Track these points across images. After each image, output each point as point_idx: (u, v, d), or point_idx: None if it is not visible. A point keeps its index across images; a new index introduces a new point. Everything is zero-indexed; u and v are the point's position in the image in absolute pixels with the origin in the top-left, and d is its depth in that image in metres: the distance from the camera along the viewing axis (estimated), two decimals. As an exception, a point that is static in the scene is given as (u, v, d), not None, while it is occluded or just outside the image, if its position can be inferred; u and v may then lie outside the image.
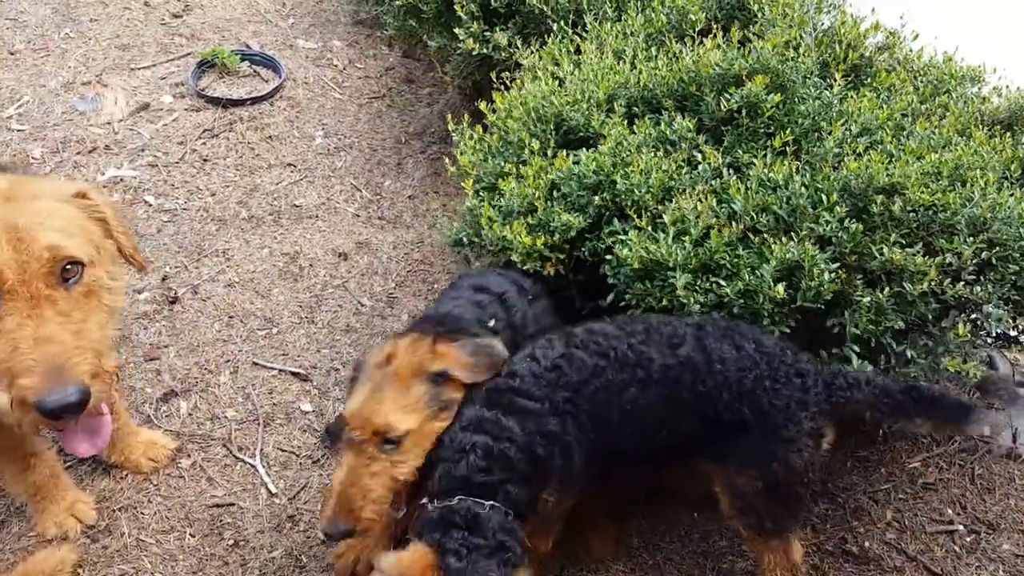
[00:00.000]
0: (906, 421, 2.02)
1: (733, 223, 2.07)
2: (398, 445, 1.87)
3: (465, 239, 2.56)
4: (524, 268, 2.26)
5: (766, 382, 1.90)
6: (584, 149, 2.37)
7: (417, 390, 1.88)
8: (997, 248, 2.08)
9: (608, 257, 2.19)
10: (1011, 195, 2.05)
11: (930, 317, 2.10)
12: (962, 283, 2.02)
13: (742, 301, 2.01)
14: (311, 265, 3.35)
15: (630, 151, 2.32)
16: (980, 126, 2.38)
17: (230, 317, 3.10)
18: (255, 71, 4.35)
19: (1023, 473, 2.76)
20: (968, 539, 2.59)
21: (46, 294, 1.63)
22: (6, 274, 1.59)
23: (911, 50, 2.65)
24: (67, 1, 4.73)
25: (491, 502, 1.79)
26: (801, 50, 2.44)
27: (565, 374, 1.91)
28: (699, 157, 2.22)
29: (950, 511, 2.67)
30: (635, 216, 2.19)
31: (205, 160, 3.77)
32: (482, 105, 2.63)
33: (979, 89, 2.58)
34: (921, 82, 2.60)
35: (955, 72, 2.55)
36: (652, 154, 2.28)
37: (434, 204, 3.72)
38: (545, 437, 1.87)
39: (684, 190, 2.19)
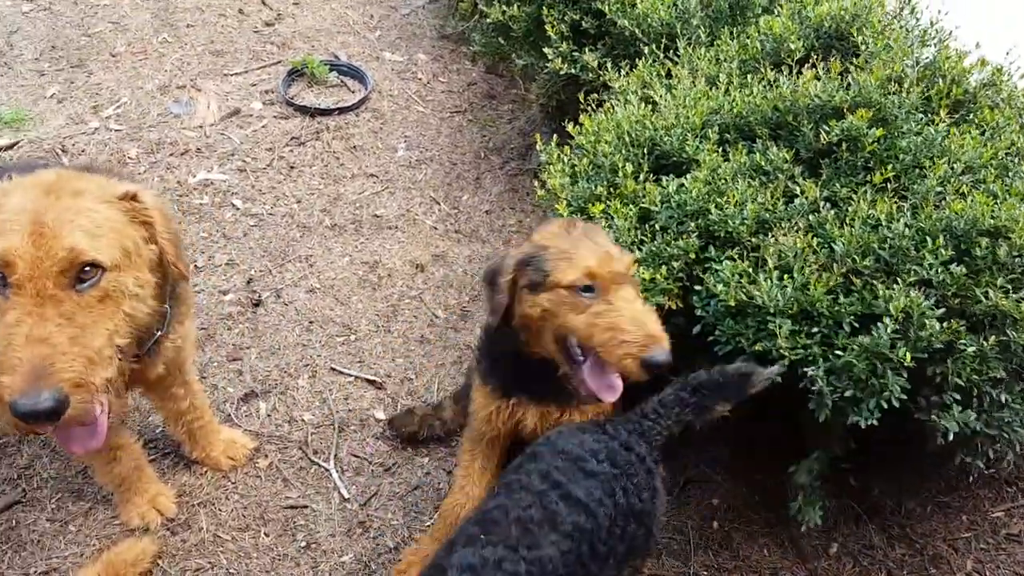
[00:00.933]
0: (711, 412, 1.96)
1: (834, 265, 2.02)
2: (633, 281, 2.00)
3: None
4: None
5: (631, 488, 1.78)
6: (673, 176, 2.34)
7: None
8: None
9: (697, 288, 2.16)
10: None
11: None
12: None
13: (864, 362, 1.93)
14: (389, 275, 3.40)
15: (725, 180, 2.29)
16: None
17: (310, 322, 3.16)
18: (342, 81, 4.46)
19: (1122, 535, 2.62)
20: None
21: (52, 293, 1.58)
22: (18, 266, 1.56)
23: (1016, 87, 2.54)
24: (166, 6, 4.94)
25: None
26: (905, 84, 2.37)
27: None
28: (796, 190, 2.17)
29: None
30: (730, 248, 2.16)
31: (292, 167, 3.87)
32: (570, 127, 2.63)
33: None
34: (1030, 120, 2.49)
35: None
36: (747, 184, 2.25)
37: (511, 220, 3.74)
38: None
39: (781, 223, 2.14)
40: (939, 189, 2.12)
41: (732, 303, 2.03)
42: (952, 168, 2.20)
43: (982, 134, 2.39)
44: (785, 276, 2.03)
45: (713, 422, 2.63)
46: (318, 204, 3.69)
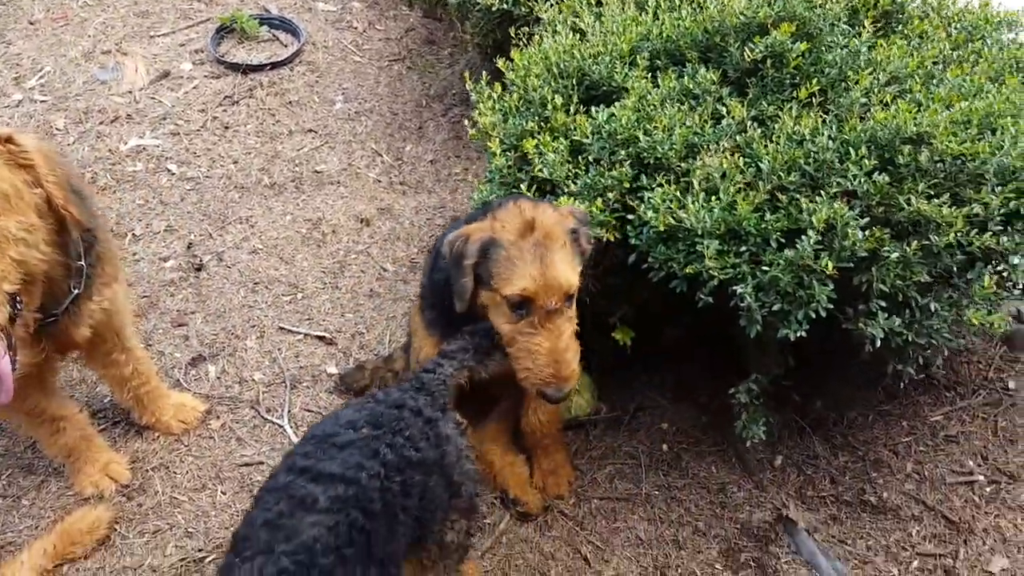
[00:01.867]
0: (491, 356, 2.00)
1: (760, 183, 2.03)
2: (573, 300, 1.96)
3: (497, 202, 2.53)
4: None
5: (400, 442, 1.74)
6: (604, 106, 2.32)
7: (568, 248, 1.93)
8: (1027, 198, 2.02)
9: (630, 217, 2.17)
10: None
11: (955, 269, 2.06)
12: (988, 234, 1.97)
13: (789, 275, 1.96)
14: (333, 231, 3.36)
15: (654, 106, 2.27)
16: (1015, 72, 2.29)
17: (255, 283, 3.13)
18: (274, 35, 4.33)
19: (1049, 426, 2.73)
20: (988, 489, 2.59)
21: None
22: None
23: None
24: (85, -31, 4.72)
25: None
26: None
27: None
28: (723, 111, 2.17)
29: (971, 463, 2.66)
30: (661, 174, 2.16)
31: (226, 127, 3.77)
32: (501, 63, 2.59)
33: (1016, 35, 2.48)
34: (955, 28, 2.51)
35: (991, 17, 2.46)
36: (676, 109, 2.24)
37: (456, 168, 3.70)
38: None
39: (709, 145, 2.14)
40: (864, 101, 2.13)
41: (662, 228, 2.04)
42: (878, 79, 2.21)
43: (909, 44, 2.40)
44: (712, 197, 2.04)
45: (655, 348, 2.68)
46: (256, 163, 3.62)
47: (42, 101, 3.88)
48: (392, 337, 2.98)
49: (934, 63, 2.26)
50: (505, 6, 3.08)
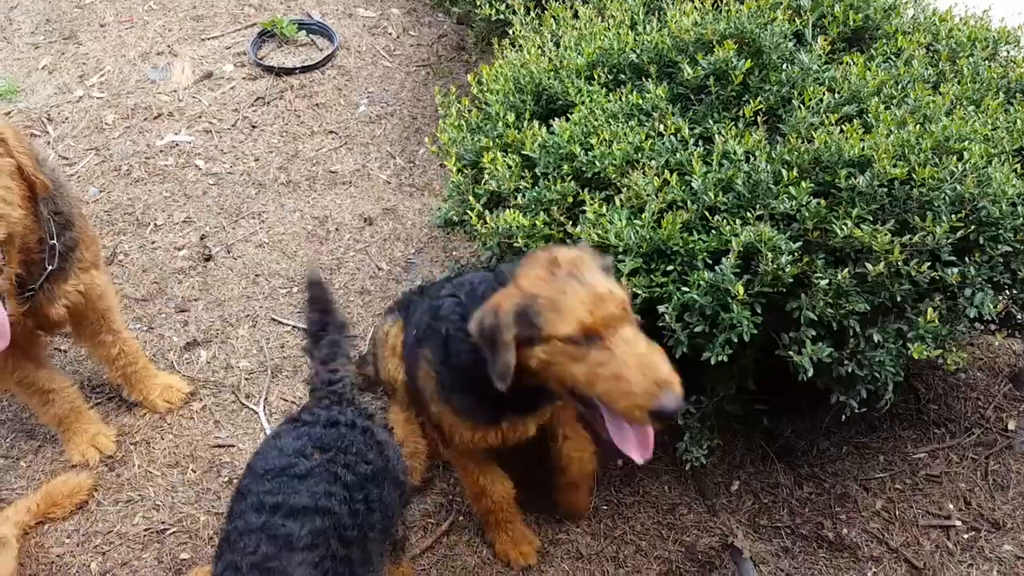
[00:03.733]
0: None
1: (688, 202, 2.01)
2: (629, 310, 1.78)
3: (455, 218, 2.58)
4: (528, 249, 2.11)
5: (352, 460, 1.74)
6: (560, 119, 2.35)
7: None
8: (985, 228, 1.91)
9: (572, 232, 2.18)
10: (1000, 171, 1.86)
11: (909, 300, 1.97)
12: (927, 264, 1.88)
13: (708, 298, 1.93)
14: (337, 229, 3.51)
15: (607, 121, 2.28)
16: (1001, 93, 2.16)
17: (256, 275, 3.32)
18: (312, 40, 4.54)
19: (1044, 473, 2.55)
20: (965, 536, 2.44)
21: None
22: None
23: (930, 6, 2.42)
24: (155, -24, 5.09)
25: None
26: (779, 12, 2.28)
27: None
28: (661, 128, 2.15)
29: (951, 506, 2.52)
30: (603, 190, 2.17)
31: (254, 127, 4.00)
32: (470, 77, 2.65)
33: (1008, 53, 2.33)
34: (943, 46, 2.38)
35: (975, 34, 2.32)
36: (624, 124, 2.24)
37: (463, 171, 3.78)
38: None
39: (650, 162, 2.13)
40: (812, 120, 2.07)
41: (587, 243, 2.04)
42: (834, 99, 2.13)
43: (885, 61, 2.31)
44: (639, 215, 2.03)
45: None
46: (275, 162, 3.82)
47: (99, 98, 4.23)
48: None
49: (895, 83, 2.16)
50: (503, 16, 3.13)
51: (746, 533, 2.48)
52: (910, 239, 1.88)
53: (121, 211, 3.57)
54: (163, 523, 2.54)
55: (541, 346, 1.72)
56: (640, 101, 2.25)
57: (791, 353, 1.99)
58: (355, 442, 1.76)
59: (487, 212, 2.26)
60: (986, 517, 2.51)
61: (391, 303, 2.72)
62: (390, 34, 4.63)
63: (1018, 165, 1.99)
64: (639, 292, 2.00)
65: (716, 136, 2.06)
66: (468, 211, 2.33)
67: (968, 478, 2.61)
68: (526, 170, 2.34)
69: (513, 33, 2.74)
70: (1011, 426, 2.73)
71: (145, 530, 2.52)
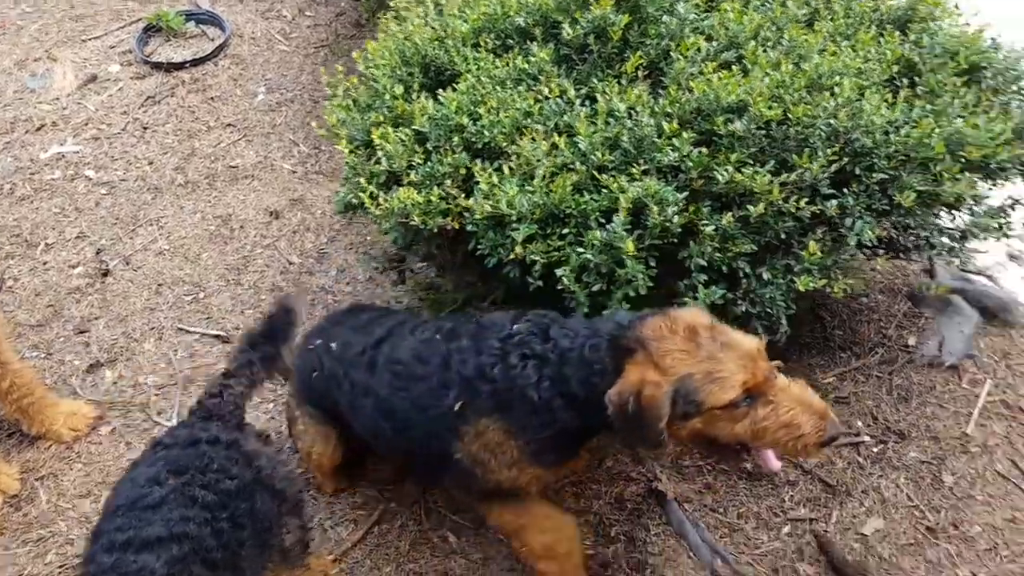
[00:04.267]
0: (279, 360, 1.96)
1: (578, 164, 1.93)
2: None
3: (355, 201, 2.47)
4: (426, 227, 2.07)
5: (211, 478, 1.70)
6: (443, 90, 2.24)
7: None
8: (860, 158, 1.90)
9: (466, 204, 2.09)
10: (870, 103, 1.84)
11: (795, 236, 1.95)
12: (807, 200, 1.86)
13: (603, 256, 1.87)
14: (241, 226, 3.35)
15: (494, 88, 2.18)
16: (872, 27, 2.13)
17: (159, 285, 3.15)
18: (202, 31, 4.31)
19: (944, 381, 2.58)
20: (875, 450, 2.48)
21: None
22: None
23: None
24: (26, -24, 4.77)
25: None
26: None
27: None
28: (546, 91, 2.06)
29: (859, 423, 2.55)
30: (495, 159, 2.08)
31: (145, 128, 3.78)
32: (355, 54, 2.52)
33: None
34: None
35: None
36: (512, 90, 2.14)
37: (371, 154, 3.65)
38: None
39: (538, 127, 2.05)
40: (692, 71, 2.01)
41: (480, 215, 1.96)
42: (713, 45, 2.08)
43: (746, 4, 2.26)
44: (531, 181, 1.95)
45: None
46: (170, 163, 3.62)
47: (-26, 114, 3.95)
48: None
49: (775, 25, 2.11)
50: (390, -13, 2.99)
51: (669, 476, 2.47)
52: (788, 177, 1.85)
53: (7, 233, 3.35)
54: (78, 556, 2.39)
55: (698, 418, 1.71)
56: (526, 65, 2.16)
57: (687, 299, 1.96)
58: (216, 459, 1.68)
59: (382, 192, 2.16)
60: (892, 429, 2.55)
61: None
62: (285, 16, 4.42)
63: (889, 95, 1.97)
64: (537, 258, 1.93)
65: (600, 95, 1.98)
66: (360, 193, 2.22)
67: (874, 395, 2.64)
68: (419, 145, 2.24)
69: (395, 4, 2.60)
70: (911, 341, 2.77)
71: (60, 567, 2.38)
